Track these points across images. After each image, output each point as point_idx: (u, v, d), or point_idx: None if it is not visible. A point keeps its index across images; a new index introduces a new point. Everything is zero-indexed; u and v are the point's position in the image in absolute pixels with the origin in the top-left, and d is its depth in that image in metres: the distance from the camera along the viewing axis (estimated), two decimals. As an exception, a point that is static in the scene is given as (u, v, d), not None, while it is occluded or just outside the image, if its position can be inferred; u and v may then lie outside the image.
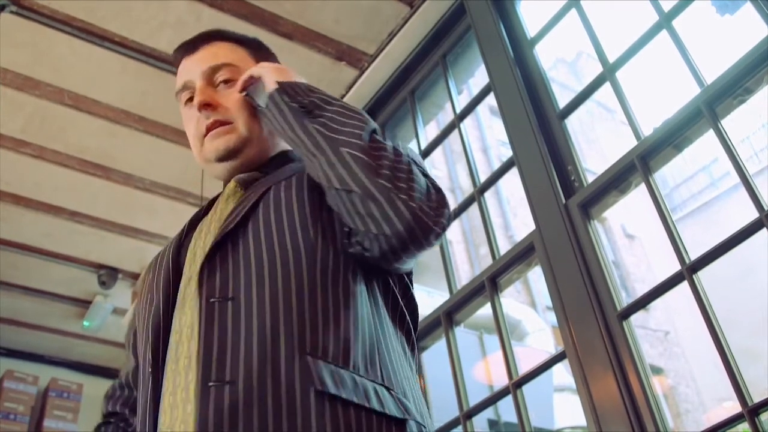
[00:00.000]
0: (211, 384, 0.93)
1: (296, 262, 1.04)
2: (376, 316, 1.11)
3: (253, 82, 1.27)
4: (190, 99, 1.30)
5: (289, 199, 1.12)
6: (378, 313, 1.12)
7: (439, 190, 1.07)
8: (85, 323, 4.53)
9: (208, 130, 1.26)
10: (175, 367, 1.00)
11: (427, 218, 1.01)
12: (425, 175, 1.08)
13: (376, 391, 0.99)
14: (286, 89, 1.17)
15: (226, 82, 1.29)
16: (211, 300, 1.01)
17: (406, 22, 3.05)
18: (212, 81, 1.29)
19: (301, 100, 1.14)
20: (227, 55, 1.33)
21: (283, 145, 1.34)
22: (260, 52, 1.39)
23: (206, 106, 1.25)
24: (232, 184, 1.24)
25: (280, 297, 1.01)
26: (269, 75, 1.23)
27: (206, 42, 1.34)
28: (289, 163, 1.29)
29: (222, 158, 1.26)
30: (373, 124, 1.10)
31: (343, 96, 3.31)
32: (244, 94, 1.28)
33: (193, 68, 1.31)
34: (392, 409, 0.99)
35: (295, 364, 0.95)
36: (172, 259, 1.16)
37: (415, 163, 1.08)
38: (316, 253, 1.06)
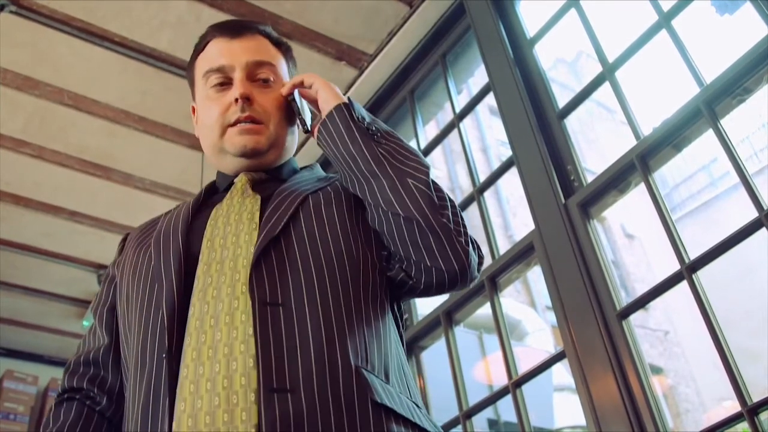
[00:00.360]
0: (274, 391, 0.94)
1: (342, 276, 1.07)
2: (397, 335, 1.16)
3: (298, 88, 1.30)
4: (222, 83, 1.29)
5: (331, 213, 1.15)
6: (397, 331, 1.17)
7: (476, 242, 1.15)
8: (85, 323, 4.53)
9: (238, 122, 1.26)
10: (197, 355, 0.99)
11: (474, 264, 1.11)
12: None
13: (413, 407, 1.04)
14: (355, 107, 1.21)
15: (264, 80, 1.30)
16: (263, 304, 1.01)
17: (405, 21, 3.05)
18: (253, 75, 1.30)
19: (370, 124, 1.19)
20: (270, 53, 1.34)
21: (289, 155, 1.36)
22: (291, 59, 1.42)
23: (247, 100, 1.25)
24: (244, 179, 1.25)
25: (331, 308, 1.03)
26: (324, 88, 1.26)
27: (249, 32, 1.34)
28: (297, 173, 1.33)
29: (245, 155, 1.26)
30: (431, 168, 1.16)
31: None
32: (289, 98, 1.30)
33: (235, 55, 1.30)
34: (427, 425, 1.03)
35: (352, 374, 0.98)
36: (182, 242, 1.15)
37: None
38: (359, 269, 1.10)
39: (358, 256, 1.11)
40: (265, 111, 1.27)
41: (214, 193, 1.32)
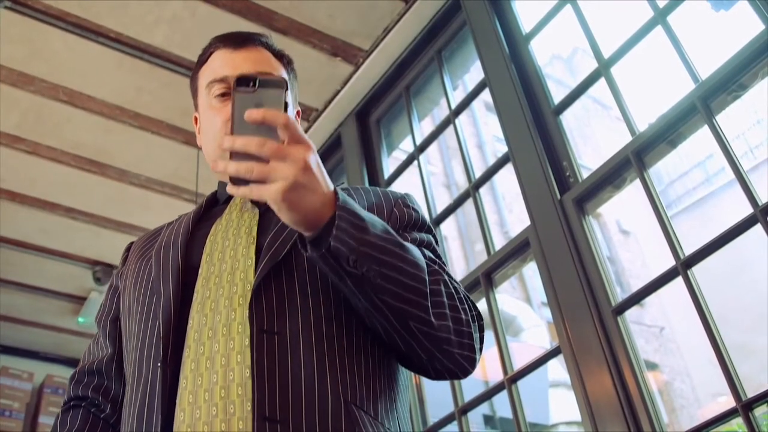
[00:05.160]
0: (266, 420, 0.94)
1: (337, 312, 1.07)
2: (393, 369, 1.14)
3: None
4: (224, 94, 1.29)
5: None
6: (393, 364, 1.14)
7: (481, 318, 1.12)
8: (80, 319, 4.53)
9: None
10: (195, 366, 1.00)
11: (474, 362, 1.10)
12: (473, 308, 1.12)
13: None
14: (334, 253, 0.93)
15: None
16: (260, 331, 1.01)
17: (401, 17, 3.04)
18: None
19: (356, 261, 0.94)
20: (272, 65, 1.34)
21: None
22: (292, 71, 1.42)
23: None
24: None
25: (324, 342, 1.04)
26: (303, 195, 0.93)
27: (252, 43, 1.34)
28: None
29: None
30: (427, 274, 1.03)
31: (338, 92, 3.31)
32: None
33: (238, 65, 1.30)
34: None
35: (341, 410, 0.99)
36: (181, 255, 1.16)
37: (467, 297, 1.11)
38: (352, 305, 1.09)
39: None
40: None
41: (214, 205, 1.33)
